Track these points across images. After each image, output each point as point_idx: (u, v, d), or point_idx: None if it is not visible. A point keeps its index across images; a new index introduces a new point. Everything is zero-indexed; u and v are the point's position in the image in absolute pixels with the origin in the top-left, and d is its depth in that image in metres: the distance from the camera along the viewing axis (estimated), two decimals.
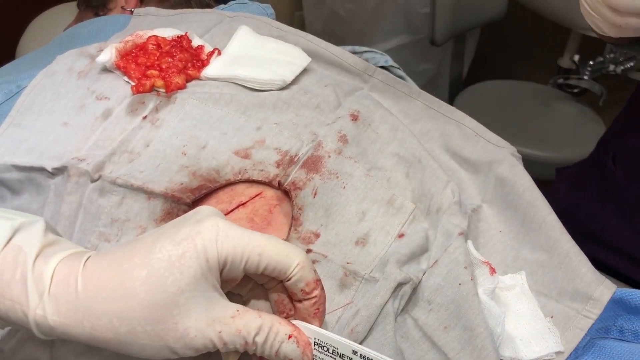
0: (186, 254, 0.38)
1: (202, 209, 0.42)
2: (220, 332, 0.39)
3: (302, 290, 0.42)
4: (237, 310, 0.40)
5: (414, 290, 0.52)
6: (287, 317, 0.44)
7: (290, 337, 0.41)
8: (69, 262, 0.40)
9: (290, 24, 0.75)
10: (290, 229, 0.55)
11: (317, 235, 0.54)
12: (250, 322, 0.40)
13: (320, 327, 0.44)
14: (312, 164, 0.57)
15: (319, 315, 0.44)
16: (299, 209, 0.55)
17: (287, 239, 0.54)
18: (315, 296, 0.43)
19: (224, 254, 0.39)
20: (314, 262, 0.52)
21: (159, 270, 0.38)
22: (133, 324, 0.38)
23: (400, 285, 0.50)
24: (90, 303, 0.38)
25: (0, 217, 0.41)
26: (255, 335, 0.40)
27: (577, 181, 0.79)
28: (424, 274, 0.53)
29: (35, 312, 0.38)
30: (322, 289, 0.43)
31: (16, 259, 0.39)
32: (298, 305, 0.44)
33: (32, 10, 1.33)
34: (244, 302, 0.46)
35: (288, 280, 0.42)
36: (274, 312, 0.45)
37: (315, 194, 0.56)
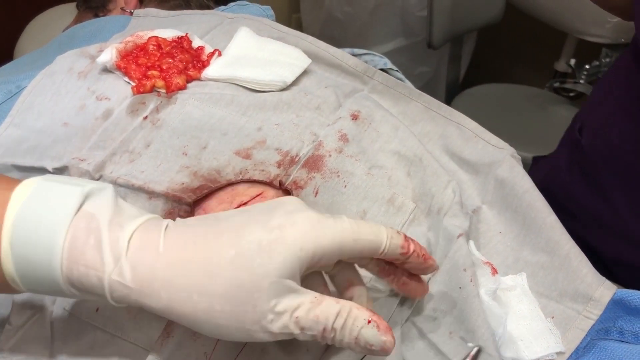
0: (278, 240, 0.38)
1: (289, 200, 0.43)
2: (297, 317, 0.39)
3: (400, 253, 0.44)
4: (315, 297, 0.40)
5: (419, 300, 0.52)
6: (395, 280, 0.47)
7: (369, 322, 0.40)
8: (148, 228, 0.40)
9: (288, 26, 0.75)
10: None
11: None
12: (329, 307, 0.40)
13: (434, 262, 0.47)
14: (313, 163, 0.58)
15: (427, 257, 0.46)
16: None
17: None
18: (414, 249, 0.45)
19: (321, 246, 0.39)
20: None
21: (248, 252, 0.38)
22: (213, 301, 0.38)
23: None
24: (171, 274, 0.38)
25: (69, 184, 0.40)
26: (334, 321, 0.39)
27: (551, 159, 0.82)
28: (428, 281, 0.53)
29: (111, 278, 0.38)
30: (413, 240, 0.45)
31: (89, 225, 0.38)
32: (407, 265, 0.46)
33: (30, 11, 1.33)
34: (332, 277, 0.46)
35: (382, 254, 0.43)
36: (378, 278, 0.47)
37: (316, 193, 0.56)
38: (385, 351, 0.41)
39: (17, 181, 0.40)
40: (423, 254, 0.45)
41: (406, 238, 0.44)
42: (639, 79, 0.76)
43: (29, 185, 0.40)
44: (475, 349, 0.48)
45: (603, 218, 0.83)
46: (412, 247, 0.45)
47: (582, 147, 0.86)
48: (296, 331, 0.39)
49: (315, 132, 0.61)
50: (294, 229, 0.39)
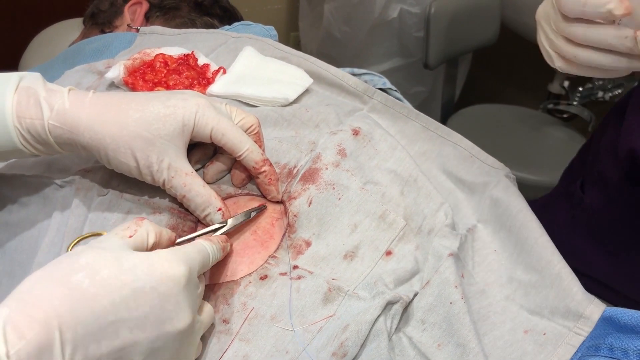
0: (171, 115, 0.53)
1: (187, 92, 0.57)
2: (172, 177, 0.54)
3: (253, 167, 0.57)
4: (192, 172, 0.55)
5: (408, 310, 0.54)
6: (241, 185, 0.60)
7: (219, 209, 0.55)
8: (76, 93, 0.53)
9: (286, 44, 0.77)
10: (284, 235, 0.57)
11: (309, 244, 0.56)
12: (196, 185, 0.54)
13: (278, 193, 0.59)
14: (309, 176, 0.59)
15: (273, 183, 0.58)
16: (294, 216, 0.57)
17: (280, 245, 0.56)
18: (264, 171, 0.57)
19: (198, 125, 0.54)
20: (299, 277, 0.54)
21: (149, 118, 0.52)
22: (119, 145, 0.52)
23: (390, 304, 0.52)
24: (92, 121, 0.51)
25: (6, 74, 0.52)
26: (195, 196, 0.54)
27: (545, 212, 0.78)
28: (415, 294, 0.54)
29: (49, 122, 0.51)
30: (270, 165, 0.58)
31: (28, 92, 0.51)
32: (257, 180, 0.59)
33: (35, 25, 1.34)
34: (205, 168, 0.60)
35: (240, 158, 0.56)
36: (232, 180, 0.60)
37: (310, 202, 0.58)
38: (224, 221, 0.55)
39: None
40: (270, 179, 0.58)
41: (265, 160, 0.57)
42: None
43: None
44: None
45: (611, 280, 0.79)
46: (264, 168, 0.57)
47: (586, 206, 0.78)
48: (166, 186, 0.54)
49: (314, 141, 0.62)
50: (184, 110, 0.53)
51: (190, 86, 0.66)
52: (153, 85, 0.65)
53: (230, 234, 0.56)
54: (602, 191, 0.79)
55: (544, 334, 0.55)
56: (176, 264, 0.42)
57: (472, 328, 0.52)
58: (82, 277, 0.39)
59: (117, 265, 0.40)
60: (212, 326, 0.51)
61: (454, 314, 0.52)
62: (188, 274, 0.43)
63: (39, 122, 0.51)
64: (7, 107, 0.50)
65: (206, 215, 0.55)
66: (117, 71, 0.65)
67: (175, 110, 0.53)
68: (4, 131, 0.50)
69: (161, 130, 0.52)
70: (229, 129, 0.55)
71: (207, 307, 0.48)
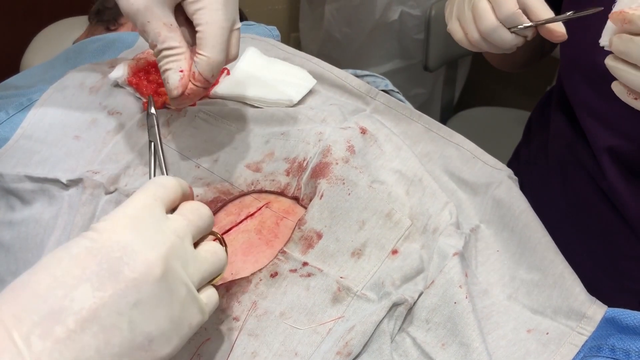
0: None
1: None
2: (149, 22, 0.49)
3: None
4: (172, 24, 0.51)
5: (412, 310, 0.54)
6: None
7: (181, 71, 0.51)
8: None
9: (287, 45, 0.77)
10: (295, 228, 0.57)
11: (320, 236, 0.56)
12: (170, 32, 0.50)
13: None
14: (320, 170, 0.60)
15: None
16: (304, 207, 0.58)
17: (290, 237, 0.56)
18: None
19: None
20: (309, 275, 0.54)
21: None
22: None
23: (395, 305, 0.52)
24: None
25: None
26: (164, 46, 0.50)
27: None
28: (420, 294, 0.54)
29: None
30: None
31: None
32: None
33: (37, 24, 1.34)
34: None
35: None
36: None
37: (321, 195, 0.58)
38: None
39: None
40: None
41: None
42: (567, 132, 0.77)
43: None
44: None
45: None
46: None
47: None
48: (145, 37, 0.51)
49: (321, 131, 0.63)
50: None
51: None
52: (157, 86, 0.65)
53: (235, 233, 0.56)
54: (537, 192, 0.81)
55: (547, 333, 0.55)
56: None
57: (476, 327, 0.52)
58: None
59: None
60: (223, 323, 0.51)
61: (458, 313, 0.53)
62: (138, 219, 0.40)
63: None
64: None
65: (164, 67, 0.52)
66: (121, 71, 0.66)
67: None
68: None
69: None
70: None
71: (210, 291, 0.45)
